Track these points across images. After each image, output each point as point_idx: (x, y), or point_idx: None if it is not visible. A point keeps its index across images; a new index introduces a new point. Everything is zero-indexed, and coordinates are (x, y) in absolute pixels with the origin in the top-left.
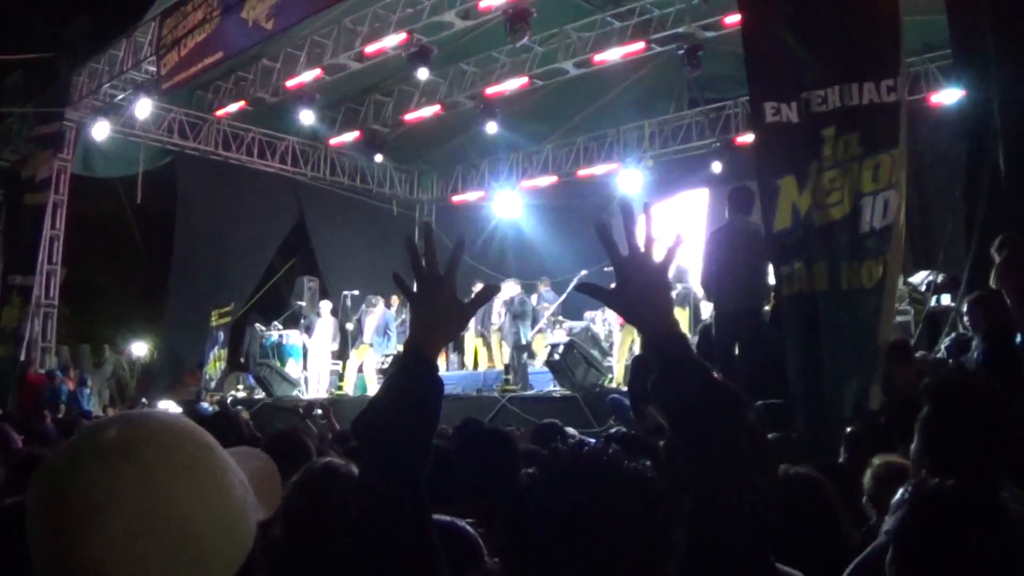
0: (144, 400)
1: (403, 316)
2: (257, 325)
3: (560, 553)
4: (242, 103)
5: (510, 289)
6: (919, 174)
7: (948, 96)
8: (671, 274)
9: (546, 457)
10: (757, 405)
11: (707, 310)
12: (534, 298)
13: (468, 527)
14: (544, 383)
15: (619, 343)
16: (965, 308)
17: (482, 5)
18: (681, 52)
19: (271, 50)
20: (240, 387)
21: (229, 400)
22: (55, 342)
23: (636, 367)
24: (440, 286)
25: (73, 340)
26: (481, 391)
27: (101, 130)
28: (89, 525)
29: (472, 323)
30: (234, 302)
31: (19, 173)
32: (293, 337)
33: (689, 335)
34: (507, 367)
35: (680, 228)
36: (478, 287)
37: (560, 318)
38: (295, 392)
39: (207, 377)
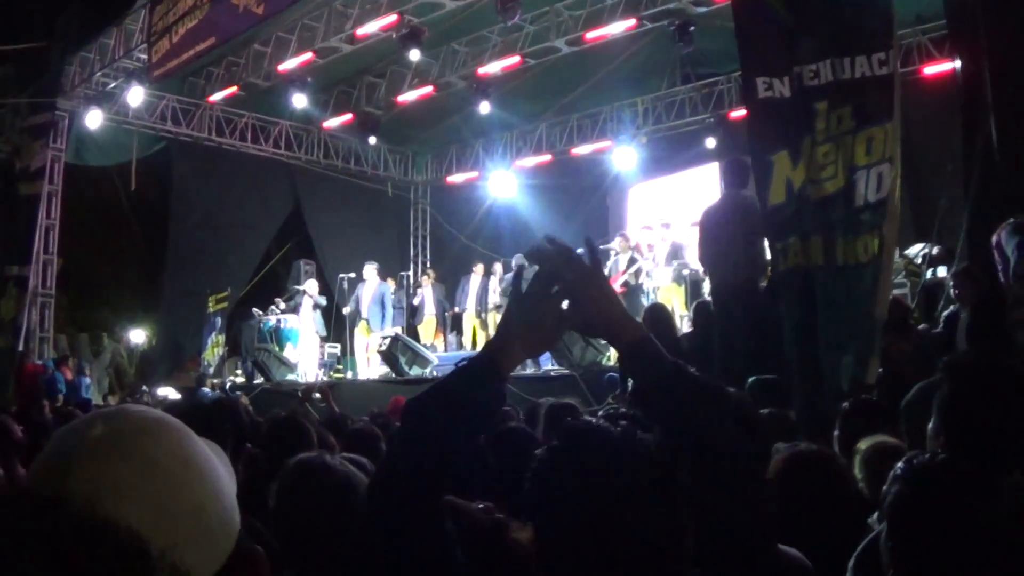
0: (144, 388)
1: (400, 294)
2: (255, 309)
3: (583, 529)
4: (234, 88)
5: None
6: (913, 147)
7: (940, 68)
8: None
9: (561, 434)
10: (751, 381)
11: (706, 287)
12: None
13: None
14: (542, 362)
15: None
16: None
17: None
18: (672, 28)
19: (262, 34)
20: (239, 372)
21: (228, 385)
22: (53, 332)
23: None
24: (549, 301)
25: (71, 329)
26: None
27: (94, 119)
28: (101, 518)
29: (471, 303)
30: (231, 287)
31: (13, 164)
32: (291, 321)
33: (687, 312)
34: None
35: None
36: (478, 267)
37: None
38: (293, 376)
39: (205, 363)
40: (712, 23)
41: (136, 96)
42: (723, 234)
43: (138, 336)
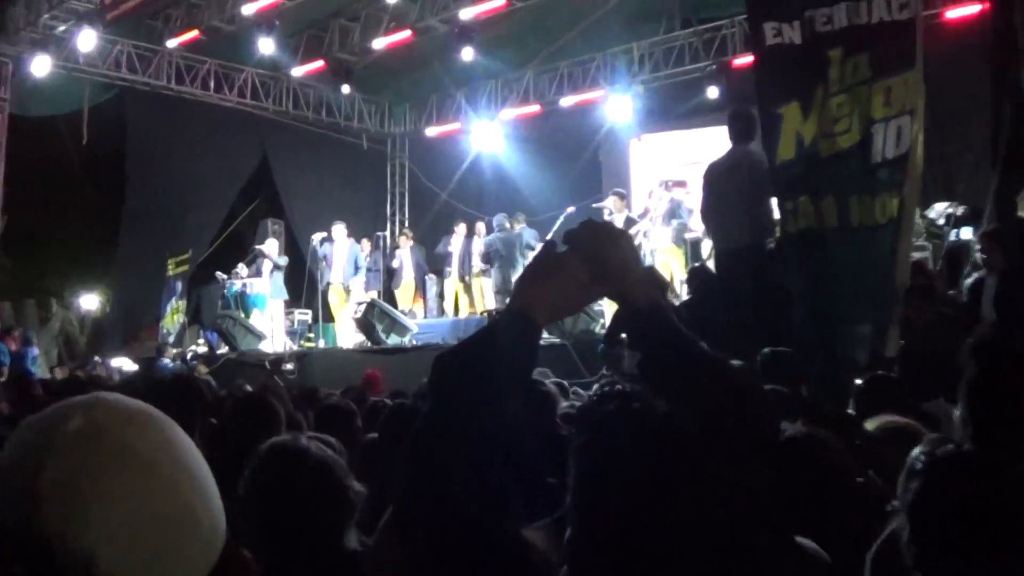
0: (96, 359)
1: (376, 256)
2: (218, 273)
3: (627, 511)
4: (195, 32)
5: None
6: (935, 98)
7: (965, 11)
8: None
9: (587, 416)
10: (765, 353)
11: (706, 249)
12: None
13: None
14: None
15: None
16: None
17: None
18: None
19: None
20: (201, 341)
21: (189, 356)
22: None
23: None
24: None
25: (16, 295)
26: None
27: (41, 65)
28: (82, 524)
29: (454, 266)
30: (192, 249)
31: None
32: (258, 285)
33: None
34: (490, 313)
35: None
36: (460, 227)
37: None
38: (261, 345)
39: (164, 332)
40: None
41: (87, 40)
42: (727, 192)
43: (90, 302)
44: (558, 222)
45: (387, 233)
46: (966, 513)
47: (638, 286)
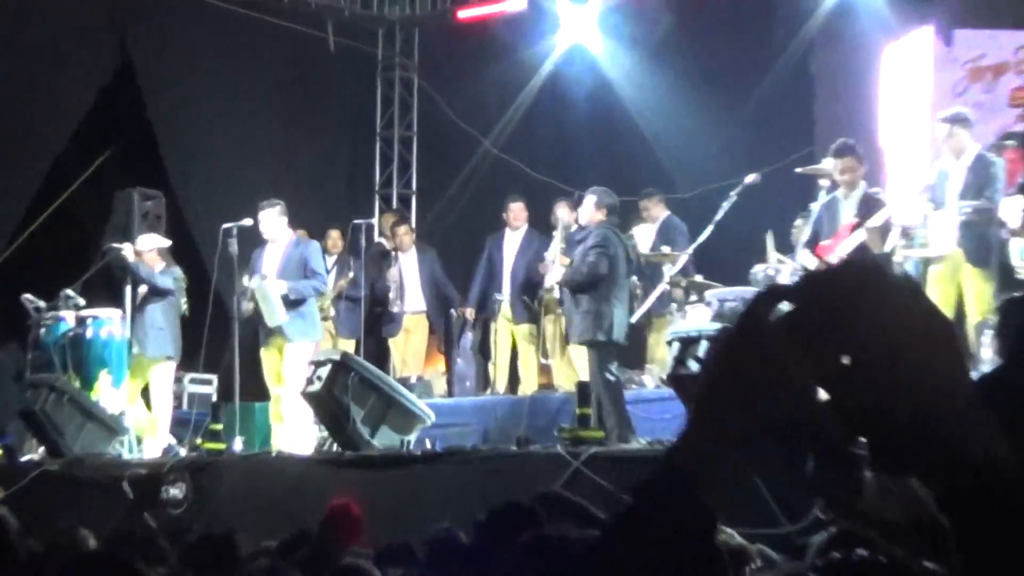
0: None
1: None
2: (27, 297)
3: None
4: None
5: (586, 213)
6: None
7: None
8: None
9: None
10: None
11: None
12: (636, 232)
13: None
14: (664, 420)
15: None
16: None
17: None
18: None
19: None
20: None
21: None
22: None
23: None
24: None
25: None
26: (526, 440)
27: None
28: None
29: (505, 290)
30: None
31: None
32: (110, 323)
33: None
34: (582, 388)
35: None
36: (518, 211)
37: (696, 278)
38: (115, 445)
39: None
40: None
41: None
42: None
43: None
44: (724, 206)
45: (373, 221)
46: None
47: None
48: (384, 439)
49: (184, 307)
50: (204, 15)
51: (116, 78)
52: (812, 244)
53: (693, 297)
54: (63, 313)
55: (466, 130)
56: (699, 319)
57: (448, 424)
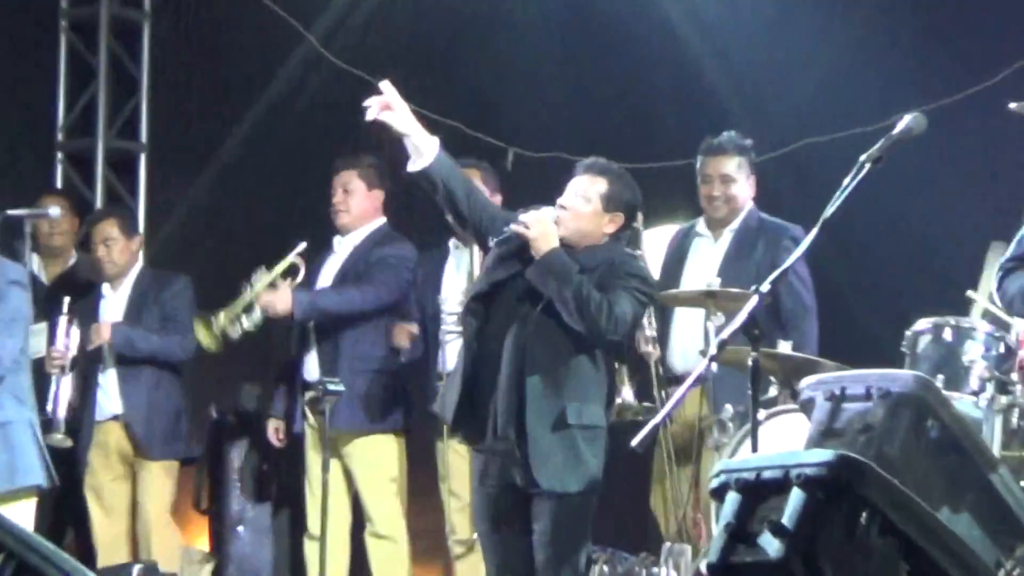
0: None
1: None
2: None
3: None
4: None
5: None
6: None
7: None
8: None
9: None
10: None
11: None
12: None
13: None
14: None
15: None
16: None
17: None
18: None
19: None
20: None
21: None
22: None
23: None
24: None
25: None
26: None
27: None
28: None
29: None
30: None
31: None
32: None
33: None
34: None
35: None
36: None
37: (783, 349)
38: None
39: None
40: None
41: None
42: None
43: None
44: (847, 185)
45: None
46: None
47: None
48: None
49: None
50: None
51: None
52: None
53: (772, 389)
54: None
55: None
56: (780, 439)
57: None
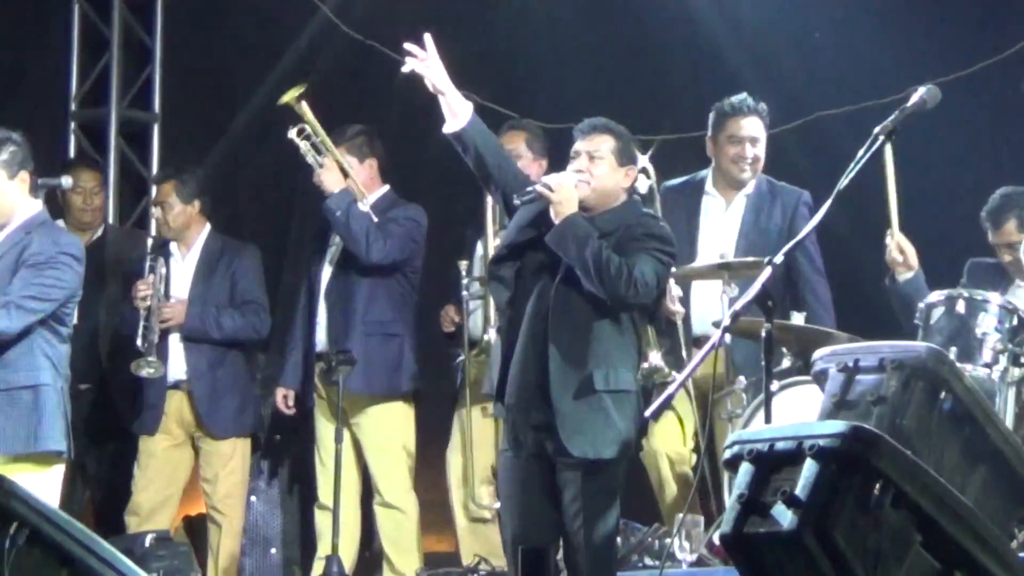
0: None
1: None
2: None
3: None
4: None
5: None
6: None
7: None
8: None
9: None
10: None
11: None
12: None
13: None
14: None
15: None
16: None
17: None
18: None
19: None
20: None
21: None
22: None
23: None
24: None
25: None
26: None
27: None
28: None
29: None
30: None
31: None
32: None
33: None
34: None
35: None
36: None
37: (796, 320)
38: None
39: None
40: None
41: None
42: None
43: None
44: (861, 156)
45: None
46: None
47: None
48: None
49: None
50: None
51: None
52: None
53: (784, 361)
54: None
55: None
56: (793, 410)
57: None
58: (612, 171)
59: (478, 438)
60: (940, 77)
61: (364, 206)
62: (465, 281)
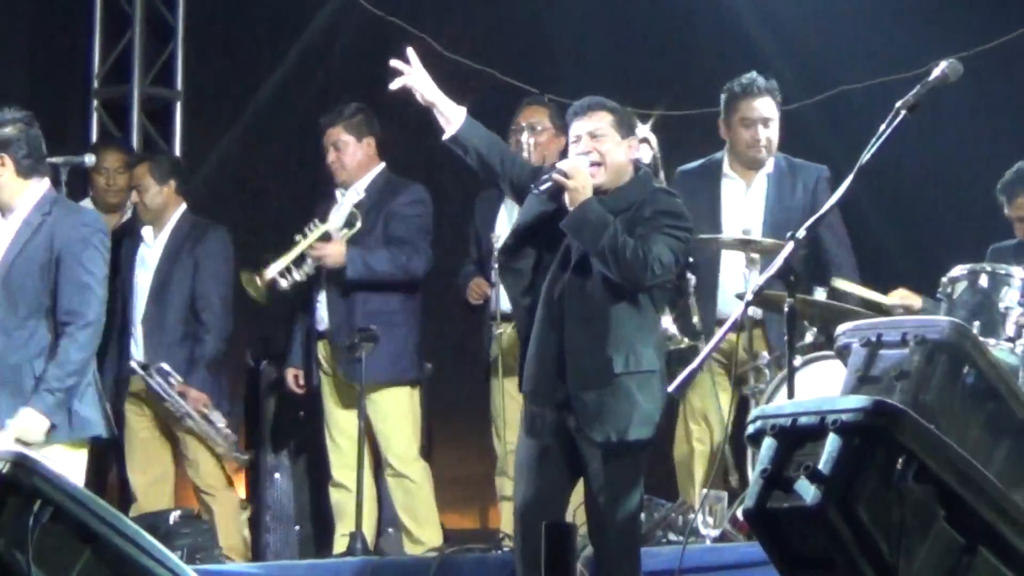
0: None
1: None
2: None
3: None
4: None
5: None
6: None
7: None
8: None
9: None
10: None
11: None
12: None
13: None
14: None
15: None
16: None
17: None
18: None
19: None
20: None
21: None
22: None
23: None
24: None
25: None
26: None
27: None
28: None
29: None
30: None
31: None
32: None
33: None
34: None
35: None
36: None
37: (819, 295)
38: None
39: None
40: None
41: None
42: None
43: None
44: (883, 132)
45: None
46: None
47: None
48: None
49: None
50: None
51: None
52: None
53: (807, 336)
54: None
55: None
56: (816, 385)
57: None
58: (618, 146)
59: (511, 412)
60: (962, 51)
61: (358, 202)
62: (495, 255)
